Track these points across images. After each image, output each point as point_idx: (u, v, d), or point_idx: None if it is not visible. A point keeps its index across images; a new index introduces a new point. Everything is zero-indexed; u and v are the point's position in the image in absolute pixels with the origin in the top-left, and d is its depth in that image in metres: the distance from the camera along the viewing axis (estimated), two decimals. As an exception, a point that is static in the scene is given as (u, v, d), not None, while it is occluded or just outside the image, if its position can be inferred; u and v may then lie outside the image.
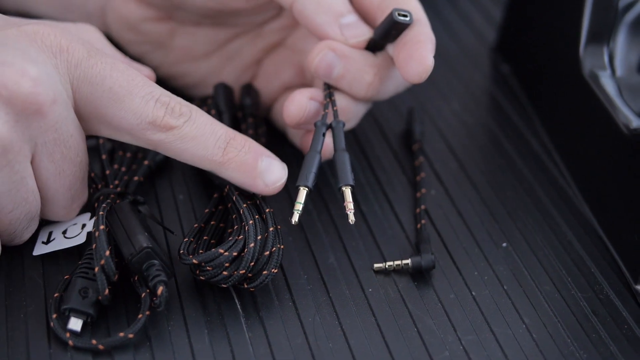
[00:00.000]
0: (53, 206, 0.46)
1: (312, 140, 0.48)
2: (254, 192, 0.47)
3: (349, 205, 0.46)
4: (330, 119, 0.49)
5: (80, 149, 0.45)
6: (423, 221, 0.51)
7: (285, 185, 0.47)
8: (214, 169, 0.46)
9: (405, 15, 0.48)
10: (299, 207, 0.46)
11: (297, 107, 0.50)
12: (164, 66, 0.56)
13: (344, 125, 0.49)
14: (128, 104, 0.45)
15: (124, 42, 0.56)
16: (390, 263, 0.48)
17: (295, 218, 0.46)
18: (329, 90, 0.50)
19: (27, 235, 0.46)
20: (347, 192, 0.46)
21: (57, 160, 0.44)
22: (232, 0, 0.52)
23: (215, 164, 0.46)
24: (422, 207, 0.52)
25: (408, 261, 0.48)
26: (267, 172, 0.47)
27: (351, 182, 0.46)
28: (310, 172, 0.46)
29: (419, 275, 0.48)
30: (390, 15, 0.48)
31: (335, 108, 0.49)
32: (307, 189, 0.46)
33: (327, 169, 0.54)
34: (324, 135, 0.48)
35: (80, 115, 0.45)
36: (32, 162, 0.44)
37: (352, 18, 0.50)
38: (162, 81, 0.56)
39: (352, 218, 0.46)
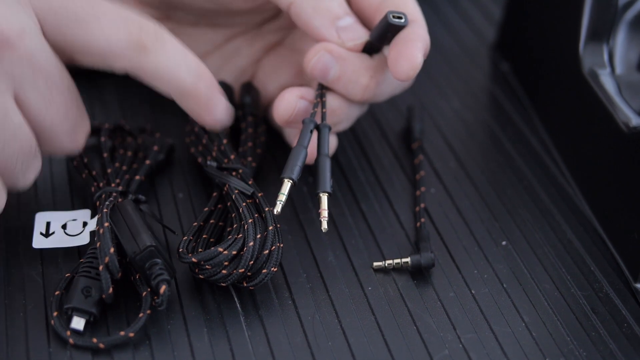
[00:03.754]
0: (55, 138, 0.45)
1: (300, 135, 0.48)
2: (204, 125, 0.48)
3: (324, 212, 0.46)
4: (319, 119, 0.49)
5: (63, 74, 0.45)
6: (422, 219, 0.51)
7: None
8: (176, 96, 0.47)
9: (400, 17, 0.48)
10: (282, 197, 0.46)
11: (286, 105, 0.50)
12: None
13: (330, 129, 0.49)
14: (96, 27, 0.44)
15: None
16: (390, 261, 0.48)
17: (277, 208, 0.45)
18: (321, 90, 0.50)
19: (30, 176, 0.45)
20: (324, 199, 0.46)
21: (42, 89, 0.44)
22: (230, 2, 0.52)
23: (181, 92, 0.46)
24: (422, 205, 0.52)
25: (407, 259, 0.48)
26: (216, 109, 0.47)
27: (329, 190, 0.46)
28: (295, 165, 0.46)
29: (419, 274, 0.48)
30: (385, 17, 0.48)
31: (324, 110, 0.49)
32: (291, 181, 0.46)
33: (331, 161, 0.54)
34: (311, 131, 0.48)
35: (53, 47, 0.45)
36: (16, 98, 0.43)
37: (349, 20, 0.50)
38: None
39: (324, 226, 0.46)
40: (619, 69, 0.55)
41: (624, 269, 0.49)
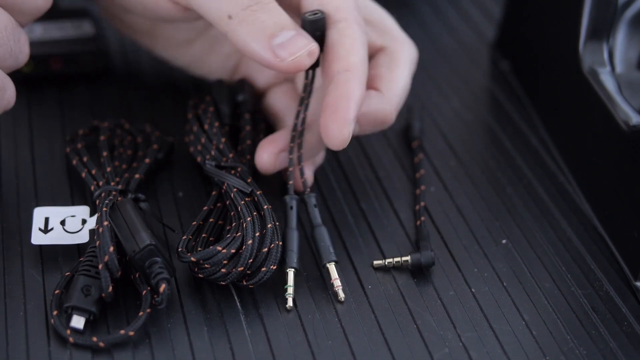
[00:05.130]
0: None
1: (286, 217, 0.48)
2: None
3: (336, 282, 0.46)
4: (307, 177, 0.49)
5: None
6: (422, 218, 0.51)
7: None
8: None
9: (315, 13, 0.48)
10: (290, 290, 0.46)
11: (267, 164, 0.50)
12: (154, 51, 0.56)
13: (316, 197, 0.49)
14: None
15: (115, 28, 0.57)
16: (390, 260, 0.48)
17: (289, 303, 0.45)
18: (296, 154, 0.49)
19: (24, 48, 0.46)
20: (332, 268, 0.46)
21: None
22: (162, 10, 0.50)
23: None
24: (422, 204, 0.52)
25: (407, 258, 0.48)
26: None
27: (334, 258, 0.47)
28: (292, 252, 0.46)
29: (419, 272, 0.48)
30: (303, 19, 0.48)
31: (303, 178, 0.49)
32: (293, 269, 0.46)
33: (331, 160, 0.54)
34: (292, 208, 0.48)
35: None
36: None
37: (286, 35, 0.46)
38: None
39: (341, 295, 0.46)
40: (619, 68, 0.55)
41: (624, 267, 0.49)
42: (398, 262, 0.48)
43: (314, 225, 0.48)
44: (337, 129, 0.46)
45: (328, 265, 0.47)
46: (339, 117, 0.46)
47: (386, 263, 0.48)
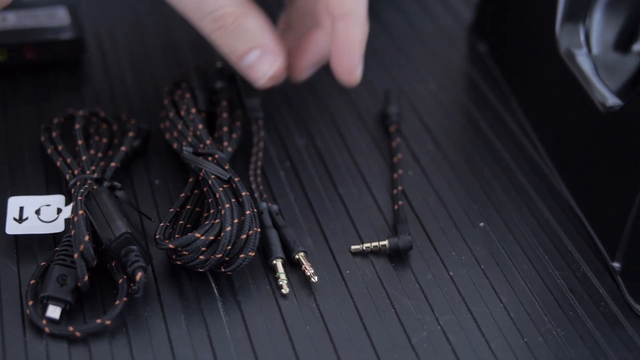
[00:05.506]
0: None
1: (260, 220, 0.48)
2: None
3: (307, 270, 0.46)
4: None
5: None
6: (400, 202, 0.51)
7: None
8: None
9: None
10: (282, 277, 0.46)
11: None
12: None
13: (268, 206, 0.49)
14: None
15: None
16: (368, 244, 0.48)
17: (285, 289, 0.45)
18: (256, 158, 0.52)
19: None
20: (301, 258, 0.47)
21: None
22: None
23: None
24: (399, 188, 0.52)
25: (385, 242, 0.48)
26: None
27: (281, 255, 0.46)
28: (275, 245, 0.47)
29: (397, 257, 0.48)
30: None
31: (264, 197, 0.50)
32: (281, 259, 0.46)
33: (309, 146, 0.54)
34: (262, 213, 0.48)
35: None
36: None
37: (253, 56, 0.50)
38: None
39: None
40: (595, 49, 0.55)
41: (601, 248, 0.49)
42: (376, 246, 0.48)
43: (280, 226, 0.48)
44: (348, 75, 0.51)
45: (297, 256, 0.47)
46: (347, 66, 0.50)
47: (364, 248, 0.48)
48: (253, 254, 0.45)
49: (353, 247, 0.48)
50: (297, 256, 0.47)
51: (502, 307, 0.46)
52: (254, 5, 0.51)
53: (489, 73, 0.62)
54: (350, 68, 0.50)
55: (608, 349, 0.44)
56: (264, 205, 0.49)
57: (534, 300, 0.46)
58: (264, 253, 0.47)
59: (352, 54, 0.50)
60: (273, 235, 0.47)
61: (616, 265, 0.48)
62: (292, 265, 0.47)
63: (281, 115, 0.56)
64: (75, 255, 0.43)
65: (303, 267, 0.46)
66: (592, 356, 0.44)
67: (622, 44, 0.55)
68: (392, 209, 0.51)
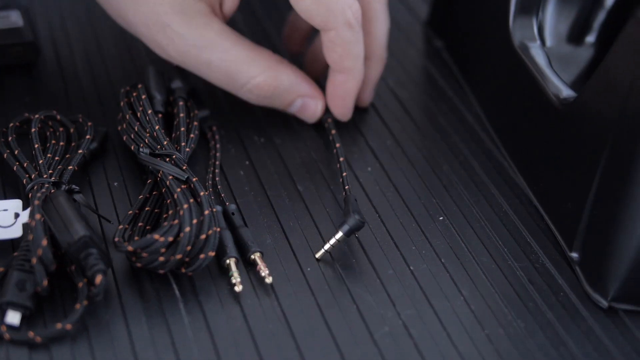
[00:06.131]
0: None
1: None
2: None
3: (262, 270, 0.46)
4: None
5: None
6: (347, 187, 0.50)
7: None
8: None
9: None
10: (236, 275, 0.46)
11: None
12: None
13: (235, 207, 0.49)
14: None
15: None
16: (328, 245, 0.48)
17: (238, 288, 0.45)
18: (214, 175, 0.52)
19: None
20: (256, 258, 0.47)
21: None
22: None
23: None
24: (344, 174, 0.51)
25: (340, 234, 0.47)
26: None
27: (235, 254, 0.46)
28: (227, 247, 0.47)
29: (358, 253, 0.48)
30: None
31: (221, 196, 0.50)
32: (234, 258, 0.46)
33: (267, 146, 0.54)
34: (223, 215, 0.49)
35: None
36: None
37: (297, 104, 0.54)
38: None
39: (268, 281, 0.46)
40: (549, 42, 0.55)
41: (559, 239, 0.49)
42: (335, 242, 0.48)
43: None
44: (341, 116, 0.56)
45: (252, 256, 0.47)
46: (338, 111, 0.55)
47: (326, 249, 0.48)
48: (213, 253, 0.45)
49: (317, 254, 0.48)
50: (252, 256, 0.47)
51: (463, 300, 0.46)
52: (282, 61, 0.54)
53: (446, 68, 0.62)
54: (343, 112, 0.55)
55: (568, 339, 0.45)
56: (218, 207, 0.49)
57: (494, 293, 0.47)
58: (217, 254, 0.47)
59: (346, 102, 0.55)
60: (226, 235, 0.47)
61: (574, 255, 0.48)
62: (250, 266, 0.47)
63: (239, 114, 0.56)
64: (34, 260, 0.43)
65: (258, 268, 0.46)
66: (552, 346, 0.44)
67: (575, 36, 0.56)
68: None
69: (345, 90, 0.54)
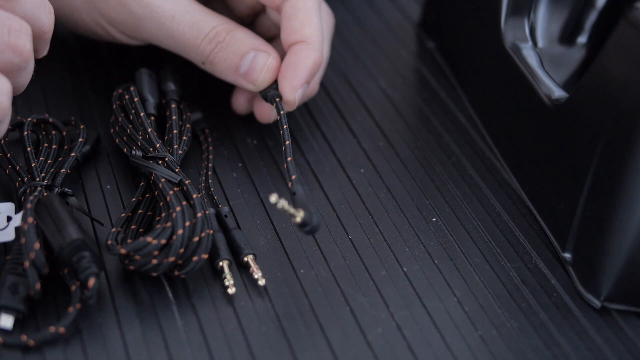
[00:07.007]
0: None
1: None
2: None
3: (255, 272, 0.46)
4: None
5: None
6: (293, 176, 0.47)
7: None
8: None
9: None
10: (229, 277, 0.46)
11: (242, 109, 0.56)
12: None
13: (229, 209, 0.49)
14: None
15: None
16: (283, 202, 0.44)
17: (232, 290, 0.45)
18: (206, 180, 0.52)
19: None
20: (249, 261, 0.47)
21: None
22: None
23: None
24: (289, 158, 0.48)
25: (297, 219, 0.44)
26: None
27: (228, 257, 0.47)
28: (220, 249, 0.46)
29: (351, 254, 0.48)
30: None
31: (215, 197, 0.51)
32: (227, 261, 0.46)
33: (260, 146, 0.54)
34: (216, 217, 0.49)
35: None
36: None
37: (247, 61, 0.52)
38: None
39: (261, 283, 0.46)
40: (540, 43, 0.55)
41: (552, 239, 0.49)
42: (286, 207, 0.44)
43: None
44: (287, 94, 0.52)
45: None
46: (288, 85, 0.52)
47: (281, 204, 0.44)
48: (206, 256, 0.45)
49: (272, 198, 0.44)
50: (245, 259, 0.47)
51: (456, 300, 0.46)
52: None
53: (438, 69, 0.62)
54: (293, 86, 0.52)
55: (561, 339, 0.45)
56: (211, 210, 0.49)
57: (487, 293, 0.47)
58: (210, 256, 0.47)
59: (298, 74, 0.52)
60: (219, 237, 0.47)
61: (567, 255, 0.48)
62: (243, 268, 0.47)
63: (232, 117, 0.56)
64: (26, 264, 0.43)
65: (251, 270, 0.46)
66: (545, 346, 0.44)
67: (567, 37, 0.56)
68: (342, 205, 0.51)
69: (301, 59, 0.52)
